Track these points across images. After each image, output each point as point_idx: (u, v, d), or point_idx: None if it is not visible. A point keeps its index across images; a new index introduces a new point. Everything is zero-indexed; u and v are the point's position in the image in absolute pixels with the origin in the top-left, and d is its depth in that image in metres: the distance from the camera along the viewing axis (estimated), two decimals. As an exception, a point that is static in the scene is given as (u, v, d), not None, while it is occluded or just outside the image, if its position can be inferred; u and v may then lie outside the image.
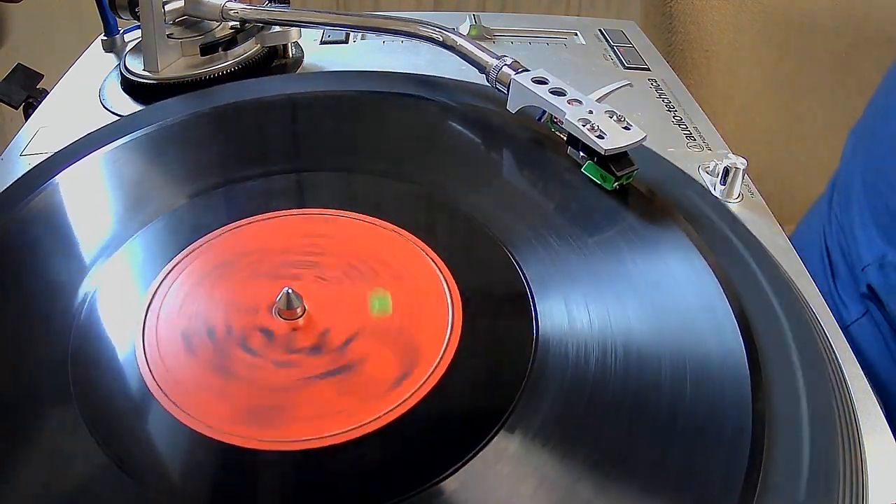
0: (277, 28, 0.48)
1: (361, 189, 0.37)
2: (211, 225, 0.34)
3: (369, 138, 0.40)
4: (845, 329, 0.51)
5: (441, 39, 0.43)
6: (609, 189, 0.35)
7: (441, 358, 0.28)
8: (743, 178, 0.38)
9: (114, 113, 0.45)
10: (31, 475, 0.24)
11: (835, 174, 0.61)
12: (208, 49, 0.47)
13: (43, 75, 0.53)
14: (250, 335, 0.29)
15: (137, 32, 0.52)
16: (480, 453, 0.24)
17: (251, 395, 0.27)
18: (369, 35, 0.54)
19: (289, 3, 0.51)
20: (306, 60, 0.51)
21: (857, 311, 0.51)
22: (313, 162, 0.39)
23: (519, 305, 0.30)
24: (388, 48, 0.53)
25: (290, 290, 0.29)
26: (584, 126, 0.35)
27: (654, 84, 0.50)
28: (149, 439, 0.26)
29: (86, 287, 0.31)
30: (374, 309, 0.29)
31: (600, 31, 0.58)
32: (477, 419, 0.26)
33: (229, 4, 0.47)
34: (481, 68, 0.41)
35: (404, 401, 0.26)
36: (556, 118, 0.37)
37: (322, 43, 0.54)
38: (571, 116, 0.35)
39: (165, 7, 0.47)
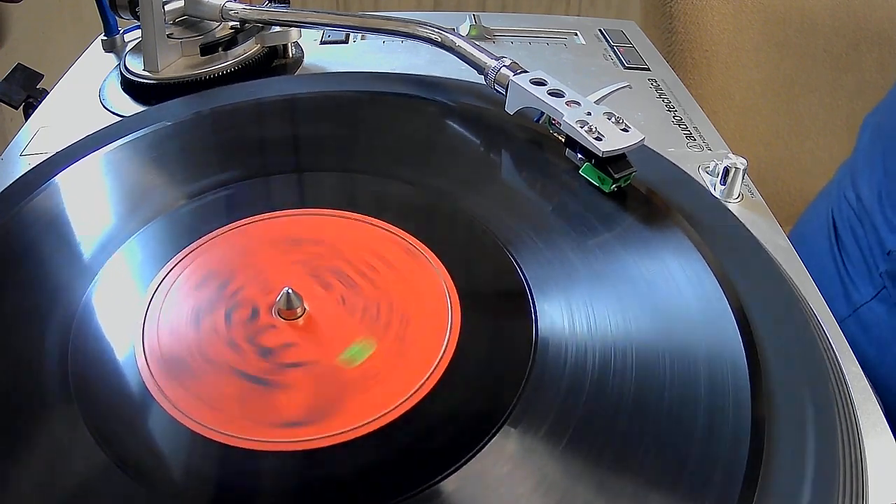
0: (277, 28, 0.48)
1: (361, 189, 0.37)
2: (210, 226, 0.34)
3: (368, 139, 0.40)
4: (855, 310, 0.52)
5: (439, 40, 0.43)
6: (607, 191, 0.35)
7: (441, 358, 0.28)
8: (743, 178, 0.38)
9: (114, 113, 0.45)
10: (32, 475, 0.24)
11: (846, 161, 0.61)
12: (208, 49, 0.47)
13: (43, 75, 0.53)
14: (241, 306, 0.30)
15: (137, 32, 0.52)
16: (480, 453, 0.24)
17: (182, 348, 0.28)
18: (369, 35, 0.54)
19: (289, 3, 0.51)
20: (306, 60, 0.51)
21: (869, 292, 0.52)
22: (312, 161, 0.39)
23: (519, 305, 0.30)
24: (388, 48, 0.53)
25: (290, 291, 0.29)
26: (582, 128, 0.35)
27: (654, 84, 0.50)
28: (149, 439, 0.26)
29: (85, 287, 0.31)
30: (344, 356, 0.28)
31: (600, 31, 0.58)
32: (477, 419, 0.26)
33: (229, 4, 0.47)
34: (480, 69, 0.41)
35: (404, 400, 0.26)
36: (554, 120, 0.37)
37: (322, 43, 0.54)
38: (570, 118, 0.35)
39: (165, 7, 0.47)
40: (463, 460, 0.24)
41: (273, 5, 0.49)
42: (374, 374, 0.28)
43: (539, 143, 0.39)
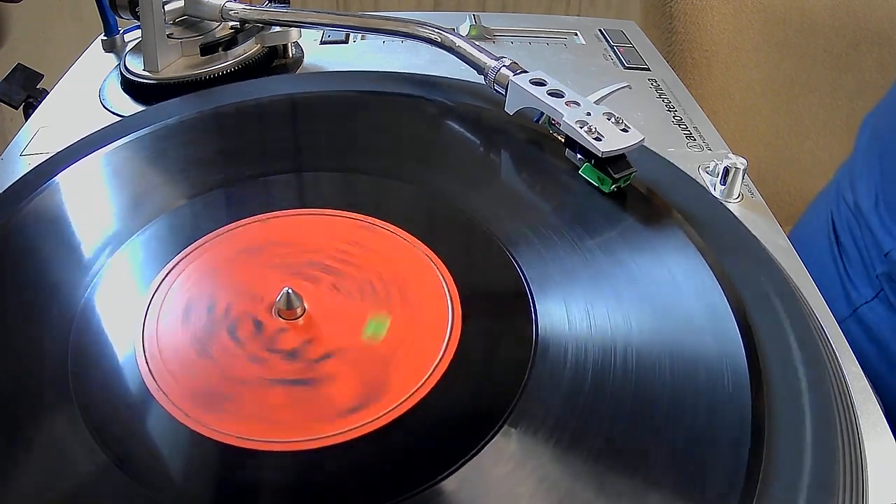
0: (277, 28, 0.48)
1: (361, 189, 0.37)
2: (211, 225, 0.34)
3: (368, 138, 0.40)
4: (855, 310, 0.52)
5: (439, 40, 0.43)
6: (606, 192, 0.35)
7: (441, 358, 0.28)
8: (743, 178, 0.38)
9: (114, 113, 0.45)
10: (31, 475, 0.24)
11: (845, 162, 0.61)
12: (208, 49, 0.47)
13: (43, 75, 0.53)
14: (242, 322, 0.29)
15: (137, 32, 0.52)
16: (480, 453, 0.24)
17: (210, 378, 0.27)
18: (369, 35, 0.54)
19: (289, 3, 0.51)
20: (306, 60, 0.51)
21: (869, 292, 0.52)
22: (313, 162, 0.39)
23: (519, 305, 0.30)
24: (388, 48, 0.53)
25: (290, 291, 0.29)
26: (581, 128, 0.35)
27: (654, 84, 0.50)
28: (149, 439, 0.26)
29: (86, 287, 0.31)
30: (367, 333, 0.29)
31: (600, 31, 0.58)
32: (477, 419, 0.26)
33: (229, 4, 0.47)
34: (479, 69, 0.41)
35: (404, 400, 0.26)
36: (553, 120, 0.37)
37: (322, 43, 0.54)
38: (569, 118, 0.35)
39: (165, 7, 0.47)
40: (463, 460, 0.24)
41: (273, 5, 0.49)
42: (400, 344, 0.28)
43: (539, 144, 0.39)
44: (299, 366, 0.28)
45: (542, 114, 0.38)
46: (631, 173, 0.35)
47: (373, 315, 0.29)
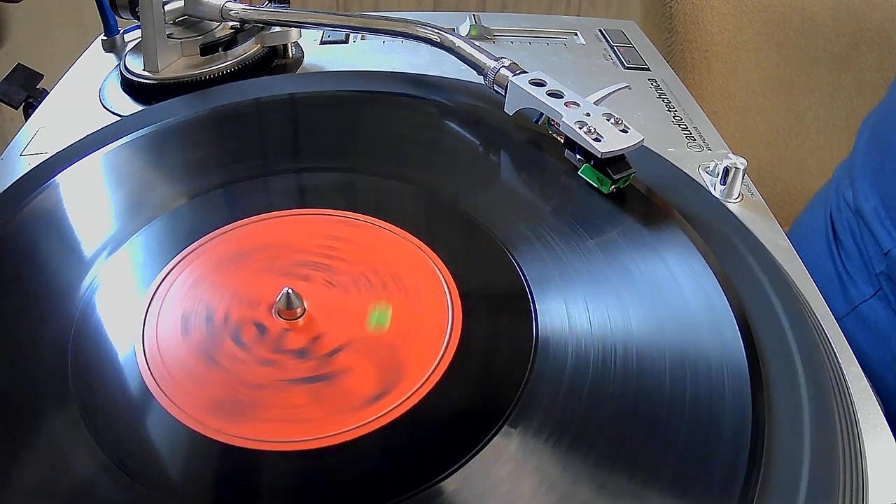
0: (277, 28, 0.48)
1: (361, 189, 0.37)
2: (211, 225, 0.34)
3: (368, 138, 0.40)
4: (854, 308, 0.52)
5: (439, 41, 0.43)
6: (605, 192, 0.35)
7: (441, 358, 0.28)
8: (743, 178, 0.38)
9: (114, 113, 0.45)
10: (31, 475, 0.24)
11: (844, 161, 0.61)
12: (208, 49, 0.47)
13: (43, 75, 0.53)
14: (245, 328, 0.29)
15: (137, 32, 0.52)
16: (480, 453, 0.24)
17: (209, 378, 0.27)
18: (369, 35, 0.54)
19: (289, 3, 0.51)
20: (306, 60, 0.51)
21: (868, 290, 0.52)
22: (313, 162, 0.39)
23: (519, 306, 0.30)
24: (388, 48, 0.53)
25: (290, 291, 0.29)
26: (580, 129, 0.35)
27: (654, 84, 0.50)
28: (148, 439, 0.26)
29: (86, 287, 0.31)
30: (372, 323, 0.29)
31: (600, 31, 0.58)
32: (477, 419, 0.26)
33: (229, 5, 0.47)
34: (479, 70, 0.41)
35: (404, 400, 0.26)
36: (553, 121, 0.37)
37: (322, 43, 0.54)
38: (568, 119, 0.35)
39: (165, 7, 0.47)
40: (463, 460, 0.24)
41: (273, 5, 0.49)
42: (412, 327, 0.29)
43: (538, 144, 0.39)
44: (312, 363, 0.28)
45: (542, 114, 0.38)
46: (630, 174, 0.35)
47: (374, 305, 0.30)
